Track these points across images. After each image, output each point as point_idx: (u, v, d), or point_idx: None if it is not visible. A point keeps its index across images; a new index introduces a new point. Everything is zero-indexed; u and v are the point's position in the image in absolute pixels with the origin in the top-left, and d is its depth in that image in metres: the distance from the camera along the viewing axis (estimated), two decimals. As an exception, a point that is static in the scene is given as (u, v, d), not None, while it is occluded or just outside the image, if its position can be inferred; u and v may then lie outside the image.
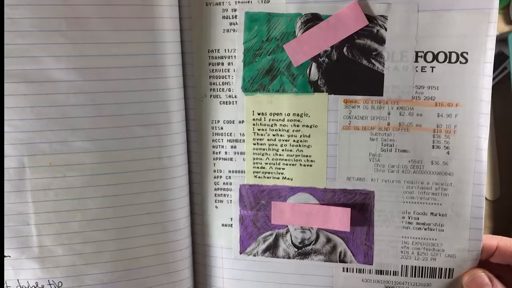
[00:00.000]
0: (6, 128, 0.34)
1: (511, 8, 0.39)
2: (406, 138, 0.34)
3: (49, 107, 0.34)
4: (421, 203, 0.35)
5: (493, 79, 0.40)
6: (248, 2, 0.35)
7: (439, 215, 0.35)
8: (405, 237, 0.36)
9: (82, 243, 0.36)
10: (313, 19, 0.34)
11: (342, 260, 0.37)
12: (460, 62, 0.32)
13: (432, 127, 0.33)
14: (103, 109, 0.35)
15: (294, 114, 0.36)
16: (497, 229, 0.44)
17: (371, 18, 0.33)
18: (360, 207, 0.36)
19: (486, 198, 0.34)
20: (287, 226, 0.37)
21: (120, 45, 0.35)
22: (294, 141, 0.36)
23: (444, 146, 0.33)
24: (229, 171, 0.38)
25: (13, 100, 0.34)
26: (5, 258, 0.35)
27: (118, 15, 0.34)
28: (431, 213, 0.35)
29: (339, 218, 0.36)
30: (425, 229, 0.35)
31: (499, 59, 0.40)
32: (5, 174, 0.34)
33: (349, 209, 0.36)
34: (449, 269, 0.35)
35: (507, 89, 0.41)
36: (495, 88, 0.42)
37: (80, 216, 0.36)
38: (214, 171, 0.38)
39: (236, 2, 0.35)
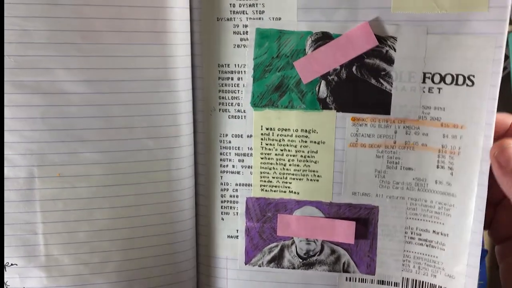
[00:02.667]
0: (17, 138, 0.34)
1: None
2: (412, 156, 0.35)
3: (60, 118, 0.34)
4: (424, 220, 0.36)
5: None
6: (259, 19, 0.35)
7: (441, 234, 0.35)
8: (407, 251, 0.36)
9: (89, 253, 0.36)
10: (323, 38, 0.34)
11: (346, 270, 0.38)
12: (467, 85, 0.33)
13: (437, 147, 0.34)
14: (113, 121, 0.35)
15: (302, 130, 0.36)
16: None
17: (381, 38, 0.34)
18: (365, 221, 0.37)
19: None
20: (292, 237, 0.38)
21: (131, 58, 0.35)
22: (301, 156, 0.37)
23: (448, 167, 0.34)
24: (236, 184, 0.38)
25: (25, 111, 0.34)
26: (12, 266, 0.36)
27: (130, 28, 0.34)
28: (434, 231, 0.35)
29: (344, 231, 0.37)
30: (427, 246, 0.36)
31: None
32: (14, 183, 0.35)
33: (353, 223, 0.36)
34: None
35: (507, 89, 0.42)
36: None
37: (87, 226, 0.36)
38: (221, 183, 0.38)
39: (247, 18, 0.35)
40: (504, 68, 0.41)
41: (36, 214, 0.35)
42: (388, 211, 0.36)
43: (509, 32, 0.40)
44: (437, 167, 0.34)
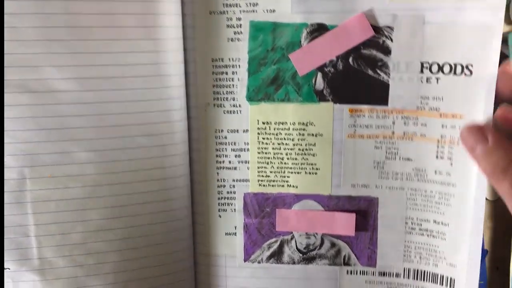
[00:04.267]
0: (6, 139, 0.33)
1: (511, 8, 0.39)
2: (410, 147, 0.35)
3: (51, 117, 0.33)
4: (424, 210, 0.35)
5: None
6: (253, 11, 0.35)
7: (442, 224, 0.35)
8: (408, 242, 0.36)
9: (84, 255, 0.36)
10: (319, 29, 0.34)
11: (346, 263, 0.37)
12: (465, 75, 0.33)
13: (436, 137, 0.34)
14: (105, 119, 0.34)
15: (299, 123, 0.36)
16: (497, 229, 0.44)
17: (377, 28, 0.33)
18: (364, 213, 0.36)
19: (486, 198, 0.34)
20: (291, 232, 0.38)
21: (122, 54, 0.34)
22: (299, 149, 0.36)
23: (448, 157, 0.34)
24: (233, 180, 0.38)
25: (14, 111, 0.33)
26: (4, 270, 0.34)
27: (121, 24, 0.34)
28: (434, 221, 0.35)
29: (343, 224, 0.36)
30: (428, 236, 0.36)
31: (499, 59, 0.40)
32: (6, 185, 0.33)
33: (353, 215, 0.36)
34: (451, 278, 0.36)
35: None
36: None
37: (81, 227, 0.35)
38: (218, 180, 0.38)
39: (240, 11, 0.35)
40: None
41: (28, 216, 0.34)
42: (388, 202, 0.36)
43: (509, 32, 0.40)
44: (437, 157, 0.34)
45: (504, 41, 0.40)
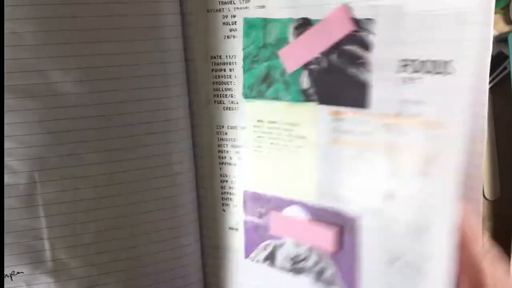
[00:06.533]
0: (14, 144, 0.34)
1: (511, 8, 0.39)
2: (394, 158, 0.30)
3: (57, 120, 0.34)
4: (404, 241, 0.31)
5: (493, 79, 0.40)
6: (245, 8, 0.35)
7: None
8: (392, 275, 0.32)
9: (96, 254, 0.36)
10: (304, 24, 0.33)
11: (331, 283, 0.34)
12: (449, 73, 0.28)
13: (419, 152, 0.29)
14: (111, 119, 0.36)
15: (287, 123, 0.35)
16: (497, 229, 0.44)
17: (357, 22, 0.31)
18: (349, 230, 0.33)
19: (486, 198, 0.32)
20: (283, 238, 0.36)
21: (125, 55, 0.35)
22: (288, 151, 0.35)
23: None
24: (234, 176, 0.38)
25: (19, 116, 0.33)
26: (18, 274, 0.35)
27: (123, 25, 0.35)
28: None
29: (324, 237, 0.34)
30: (411, 268, 0.31)
31: (499, 59, 0.40)
32: (15, 190, 0.34)
33: (334, 229, 0.33)
34: None
35: (507, 89, 0.41)
36: (495, 88, 0.42)
37: (93, 227, 0.36)
38: (221, 175, 0.39)
39: (235, 8, 0.36)
40: (504, 68, 0.41)
41: (40, 219, 0.35)
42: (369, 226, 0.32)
43: (509, 32, 0.40)
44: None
45: (504, 41, 0.40)
